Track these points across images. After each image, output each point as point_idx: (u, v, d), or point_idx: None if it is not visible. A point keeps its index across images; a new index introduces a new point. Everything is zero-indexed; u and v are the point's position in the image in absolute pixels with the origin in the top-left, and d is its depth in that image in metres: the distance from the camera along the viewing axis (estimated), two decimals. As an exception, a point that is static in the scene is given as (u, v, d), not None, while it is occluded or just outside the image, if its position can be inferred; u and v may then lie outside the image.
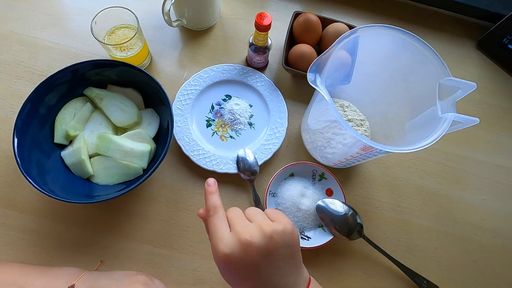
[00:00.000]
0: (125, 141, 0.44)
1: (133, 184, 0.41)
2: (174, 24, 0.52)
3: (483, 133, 0.57)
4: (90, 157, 0.45)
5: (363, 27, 0.39)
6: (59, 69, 0.43)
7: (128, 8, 0.47)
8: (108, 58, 0.45)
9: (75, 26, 0.56)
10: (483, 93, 0.59)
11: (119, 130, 0.47)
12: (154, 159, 0.46)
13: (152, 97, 0.48)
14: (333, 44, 0.37)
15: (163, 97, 0.44)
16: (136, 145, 0.44)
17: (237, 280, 0.29)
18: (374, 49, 0.44)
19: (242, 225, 0.28)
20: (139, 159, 0.44)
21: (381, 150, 0.35)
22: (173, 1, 0.48)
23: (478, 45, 0.63)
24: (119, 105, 0.46)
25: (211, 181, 0.33)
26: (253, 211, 0.30)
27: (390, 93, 0.48)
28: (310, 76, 0.35)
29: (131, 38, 0.46)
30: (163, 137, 0.46)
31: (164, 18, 0.50)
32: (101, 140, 0.44)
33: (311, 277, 0.31)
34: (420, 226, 0.50)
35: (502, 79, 0.61)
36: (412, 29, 0.63)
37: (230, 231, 0.29)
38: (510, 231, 0.51)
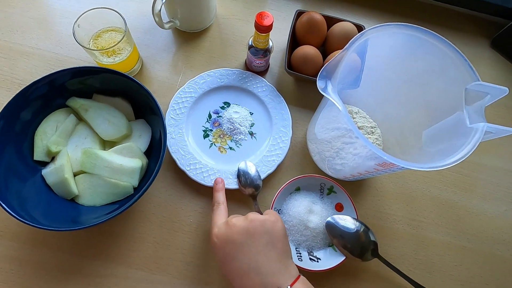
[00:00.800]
0: (113, 157, 0.40)
1: (123, 206, 0.36)
2: (166, 26, 0.48)
3: (500, 138, 0.53)
4: (75, 175, 0.40)
5: (376, 27, 0.35)
6: (33, 81, 0.38)
7: (114, 9, 0.43)
8: (89, 65, 0.41)
9: (59, 30, 0.52)
10: (500, 95, 0.55)
11: (107, 144, 0.43)
12: (146, 176, 0.41)
13: (143, 106, 0.43)
14: (345, 47, 0.33)
15: (155, 106, 0.40)
16: (126, 161, 0.40)
17: (224, 260, 0.32)
18: (385, 51, 0.40)
19: (233, 216, 0.35)
20: (129, 177, 0.40)
21: (403, 167, 0.31)
22: (164, 1, 0.44)
23: (492, 44, 0.59)
24: (107, 117, 0.42)
25: (219, 179, 0.42)
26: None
27: (403, 97, 0.44)
28: (320, 84, 0.31)
29: (118, 43, 0.42)
30: (156, 151, 0.42)
31: (155, 20, 0.45)
32: (87, 156, 0.39)
33: (303, 276, 0.32)
34: (438, 242, 0.46)
35: (518, 79, 0.57)
36: (423, 26, 0.60)
37: None
38: (535, 245, 0.47)
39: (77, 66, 0.40)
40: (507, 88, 0.31)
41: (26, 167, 0.39)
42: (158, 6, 0.43)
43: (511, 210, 0.49)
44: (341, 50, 0.33)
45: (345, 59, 0.32)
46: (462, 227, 0.47)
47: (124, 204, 0.37)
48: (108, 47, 0.42)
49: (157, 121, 0.41)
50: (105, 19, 0.44)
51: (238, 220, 0.33)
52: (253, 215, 0.33)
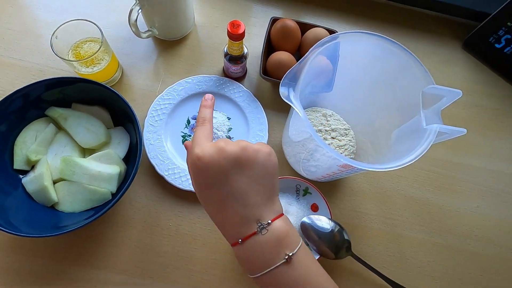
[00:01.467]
0: (92, 164, 0.41)
1: (101, 211, 0.37)
2: (144, 35, 0.49)
3: (473, 136, 0.55)
4: (54, 182, 0.42)
5: (343, 33, 0.37)
6: (5, 96, 0.39)
7: (91, 21, 0.44)
8: (63, 76, 0.42)
9: (40, 41, 0.53)
10: (472, 95, 0.57)
11: (86, 151, 0.44)
12: (125, 181, 0.43)
13: (121, 114, 0.44)
14: (308, 52, 0.34)
15: (131, 114, 0.41)
16: (104, 168, 0.41)
17: (203, 185, 0.28)
18: (357, 55, 0.42)
19: (222, 140, 0.28)
20: (107, 183, 0.41)
21: (359, 169, 0.32)
22: (140, 11, 0.45)
23: (463, 45, 0.61)
24: (85, 125, 0.43)
25: (208, 96, 0.34)
26: None
27: (375, 101, 0.45)
28: (282, 90, 0.32)
29: (95, 53, 0.43)
30: (134, 157, 0.43)
31: (132, 30, 0.47)
32: (66, 163, 0.40)
33: (285, 215, 0.29)
34: (412, 239, 0.48)
35: (490, 80, 0.59)
36: (395, 31, 0.62)
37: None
38: (504, 239, 0.48)
39: (50, 77, 0.41)
40: (460, 91, 0.32)
41: (6, 176, 0.40)
42: (134, 16, 0.45)
43: (482, 206, 0.50)
44: (305, 55, 0.34)
45: (309, 62, 0.34)
46: (436, 224, 0.49)
47: (102, 210, 0.38)
48: (85, 58, 0.43)
49: (134, 128, 0.42)
50: (84, 30, 0.46)
51: (228, 144, 0.28)
52: (245, 143, 0.28)
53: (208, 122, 0.32)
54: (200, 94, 0.51)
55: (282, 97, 0.32)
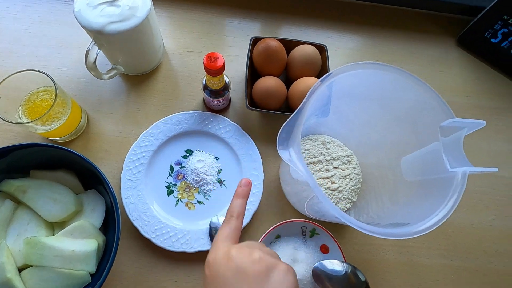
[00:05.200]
0: (64, 242, 0.35)
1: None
2: (106, 76, 0.43)
3: (477, 141, 0.51)
4: (20, 269, 0.35)
5: (337, 70, 0.31)
6: None
7: (39, 70, 0.37)
8: (10, 145, 0.35)
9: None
10: (471, 96, 0.54)
11: (56, 225, 0.38)
12: (106, 255, 0.37)
13: (90, 175, 0.38)
14: (302, 103, 0.29)
15: (98, 174, 0.35)
16: (79, 245, 0.35)
17: None
18: (354, 81, 0.36)
19: (239, 246, 0.25)
20: (84, 263, 0.35)
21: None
22: (98, 52, 0.39)
23: (458, 42, 0.57)
24: (50, 195, 0.37)
25: (245, 181, 0.30)
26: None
27: (378, 123, 0.41)
28: (282, 154, 0.27)
29: (48, 111, 0.36)
30: (113, 223, 0.37)
31: (91, 73, 0.40)
32: (31, 246, 0.34)
33: None
34: (430, 266, 0.44)
35: (488, 77, 0.55)
36: (386, 33, 0.57)
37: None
38: (527, 251, 0.45)
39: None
40: (484, 122, 0.28)
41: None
42: (91, 57, 0.38)
43: (498, 217, 0.47)
44: (299, 107, 0.28)
45: (305, 115, 0.28)
46: (453, 245, 0.45)
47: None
48: (38, 117, 0.36)
49: (107, 191, 0.36)
50: (33, 80, 0.39)
51: (240, 254, 0.25)
52: (260, 254, 0.25)
53: (235, 218, 0.28)
54: (182, 135, 0.45)
55: (284, 160, 0.27)
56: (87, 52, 0.38)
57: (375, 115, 0.38)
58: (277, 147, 0.27)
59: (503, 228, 0.46)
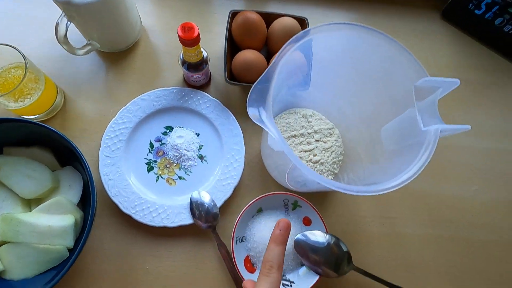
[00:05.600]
0: (40, 218, 0.34)
1: (59, 275, 0.31)
2: (81, 52, 0.42)
3: (461, 114, 0.51)
4: (-3, 247, 0.35)
5: (315, 27, 0.31)
6: None
7: (7, 44, 0.36)
8: None
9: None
10: (456, 70, 0.53)
11: (32, 202, 0.37)
12: (84, 231, 0.36)
13: (66, 152, 0.37)
14: (274, 61, 0.28)
15: (74, 150, 0.34)
16: (55, 220, 0.35)
17: None
18: (333, 45, 0.36)
19: None
20: (61, 238, 0.34)
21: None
22: (69, 24, 0.37)
23: (442, 16, 0.56)
24: (25, 171, 0.36)
25: (283, 223, 0.27)
26: None
27: (358, 94, 0.40)
28: (251, 112, 0.26)
29: (20, 83, 0.35)
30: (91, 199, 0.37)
31: (63, 48, 0.39)
32: (6, 223, 0.33)
33: None
34: (413, 236, 0.44)
35: (473, 50, 0.55)
36: (368, 8, 0.56)
37: None
38: (507, 221, 0.46)
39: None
40: (457, 80, 0.27)
41: None
42: (62, 31, 0.37)
43: (480, 188, 0.47)
44: (271, 63, 0.28)
45: (277, 72, 0.28)
46: (436, 216, 0.45)
47: (62, 269, 0.32)
48: (8, 91, 0.35)
49: (82, 167, 0.36)
50: (3, 57, 0.38)
51: None
52: None
53: (276, 269, 0.25)
54: (161, 111, 0.44)
55: (253, 120, 0.26)
56: (57, 25, 0.37)
57: (351, 81, 0.38)
58: (247, 107, 0.26)
59: (485, 199, 0.47)
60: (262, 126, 0.26)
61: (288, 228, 0.27)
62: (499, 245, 0.45)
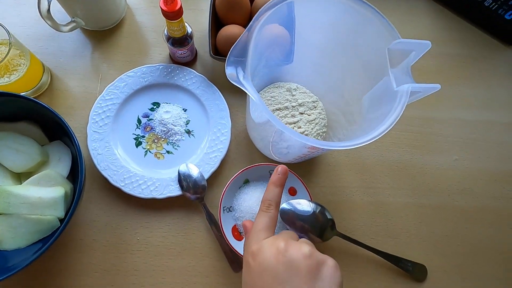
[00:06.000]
0: (30, 190, 0.35)
1: (48, 242, 0.32)
2: (66, 28, 0.42)
3: (443, 88, 0.52)
4: (-11, 219, 0.35)
5: None
6: None
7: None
8: None
9: None
10: (439, 44, 0.54)
11: (22, 176, 0.38)
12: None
13: (54, 126, 0.38)
14: (254, 17, 0.29)
15: (63, 124, 0.35)
16: (45, 192, 0.35)
17: (250, 286, 0.25)
18: (315, 18, 0.37)
19: (285, 237, 0.26)
20: (52, 209, 0.35)
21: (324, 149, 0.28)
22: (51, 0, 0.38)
23: (425, -9, 0.57)
24: (13, 146, 0.37)
25: (281, 168, 0.29)
26: None
27: (341, 66, 0.41)
28: (229, 71, 0.27)
29: (3, 59, 0.35)
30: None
31: (48, 23, 0.39)
32: (-3, 195, 0.34)
33: None
34: (396, 205, 0.46)
35: (456, 26, 0.56)
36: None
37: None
38: (486, 188, 0.48)
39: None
40: (429, 42, 0.28)
41: None
42: (44, 6, 0.37)
43: (461, 158, 0.49)
44: (251, 22, 0.29)
45: (255, 32, 0.29)
46: (418, 185, 0.47)
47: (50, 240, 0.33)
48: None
49: (71, 141, 0.36)
50: (-13, 32, 0.38)
51: (290, 247, 0.25)
52: (308, 248, 0.25)
53: (274, 207, 0.28)
54: (148, 88, 0.45)
55: (230, 80, 0.27)
56: (39, 0, 0.37)
57: (332, 52, 0.38)
58: (225, 67, 0.27)
59: (465, 168, 0.48)
60: (238, 85, 0.27)
61: (285, 173, 0.29)
62: (478, 211, 0.46)
